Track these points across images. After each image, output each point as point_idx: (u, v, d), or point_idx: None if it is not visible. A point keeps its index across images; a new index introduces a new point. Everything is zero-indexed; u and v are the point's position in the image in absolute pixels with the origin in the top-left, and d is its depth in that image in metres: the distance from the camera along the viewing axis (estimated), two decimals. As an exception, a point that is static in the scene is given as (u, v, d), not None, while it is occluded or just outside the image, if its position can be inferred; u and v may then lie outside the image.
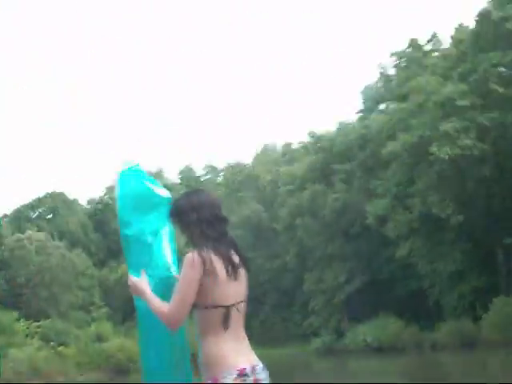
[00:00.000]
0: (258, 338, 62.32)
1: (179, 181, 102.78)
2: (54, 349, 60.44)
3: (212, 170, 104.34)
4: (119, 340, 61.57)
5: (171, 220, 4.25)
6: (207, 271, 3.88)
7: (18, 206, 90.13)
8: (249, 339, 4.12)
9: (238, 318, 3.99)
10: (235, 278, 3.98)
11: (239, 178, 79.57)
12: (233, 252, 4.06)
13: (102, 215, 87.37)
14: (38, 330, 64.79)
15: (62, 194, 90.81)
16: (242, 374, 3.86)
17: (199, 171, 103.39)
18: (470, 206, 48.33)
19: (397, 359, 44.71)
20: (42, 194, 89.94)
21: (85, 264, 79.48)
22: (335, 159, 62.50)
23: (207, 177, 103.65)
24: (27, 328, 65.56)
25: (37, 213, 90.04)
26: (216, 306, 3.90)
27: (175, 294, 3.93)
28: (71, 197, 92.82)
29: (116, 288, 77.11)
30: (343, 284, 60.90)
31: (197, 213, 4.06)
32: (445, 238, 50.34)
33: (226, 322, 3.91)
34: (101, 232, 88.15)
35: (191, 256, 3.91)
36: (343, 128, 65.38)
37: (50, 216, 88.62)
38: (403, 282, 56.37)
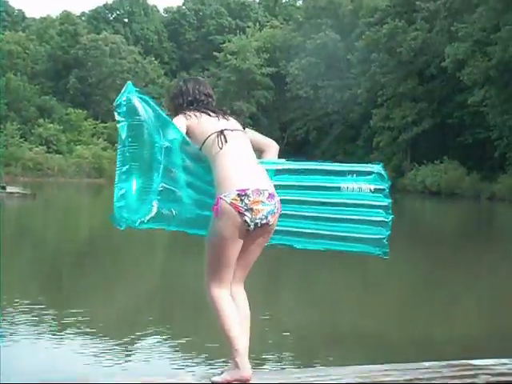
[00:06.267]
0: (318, 166, 62.96)
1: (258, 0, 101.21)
2: (118, 151, 61.88)
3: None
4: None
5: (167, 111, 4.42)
6: (191, 121, 4.15)
7: (97, 6, 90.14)
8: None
9: (237, 143, 4.11)
10: (223, 118, 4.23)
11: (320, 4, 77.55)
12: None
13: (179, 25, 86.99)
14: (105, 130, 66.23)
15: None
16: (242, 194, 3.87)
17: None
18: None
19: (453, 204, 44.88)
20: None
21: (156, 72, 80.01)
22: (421, -4, 60.70)
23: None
24: (94, 128, 67.11)
25: (114, 15, 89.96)
26: (208, 136, 4.07)
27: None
28: (150, 2, 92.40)
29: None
30: (411, 124, 60.47)
31: (182, 97, 4.35)
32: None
33: (220, 142, 4.04)
34: (175, 42, 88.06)
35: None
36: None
37: (126, 20, 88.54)
38: (471, 130, 55.77)
